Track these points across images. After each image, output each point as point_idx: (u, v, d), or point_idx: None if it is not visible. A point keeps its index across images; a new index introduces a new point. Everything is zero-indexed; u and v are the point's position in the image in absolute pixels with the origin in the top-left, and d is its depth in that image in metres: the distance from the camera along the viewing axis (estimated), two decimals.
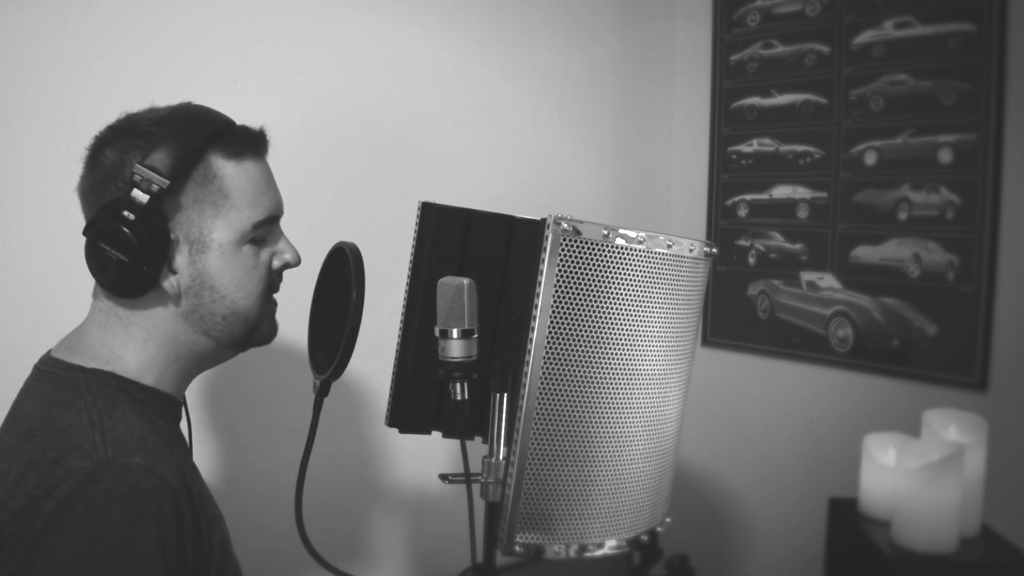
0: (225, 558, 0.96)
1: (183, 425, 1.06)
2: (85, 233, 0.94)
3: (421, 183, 1.78)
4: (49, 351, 1.00)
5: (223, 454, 1.60)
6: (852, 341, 1.86)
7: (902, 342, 1.78)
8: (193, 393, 1.54)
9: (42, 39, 1.35)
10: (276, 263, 1.03)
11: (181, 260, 0.96)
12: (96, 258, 0.92)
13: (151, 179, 0.91)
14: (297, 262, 1.05)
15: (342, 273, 1.06)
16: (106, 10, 1.40)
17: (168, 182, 0.92)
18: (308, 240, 1.27)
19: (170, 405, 1.00)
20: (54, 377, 0.95)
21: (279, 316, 1.08)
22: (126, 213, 0.91)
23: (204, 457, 1.56)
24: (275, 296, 1.06)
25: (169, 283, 0.96)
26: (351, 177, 1.71)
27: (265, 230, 1.01)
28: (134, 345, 0.97)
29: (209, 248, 0.96)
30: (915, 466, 1.26)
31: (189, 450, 1.07)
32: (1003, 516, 1.37)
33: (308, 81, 1.64)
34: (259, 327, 1.03)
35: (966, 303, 1.67)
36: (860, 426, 1.50)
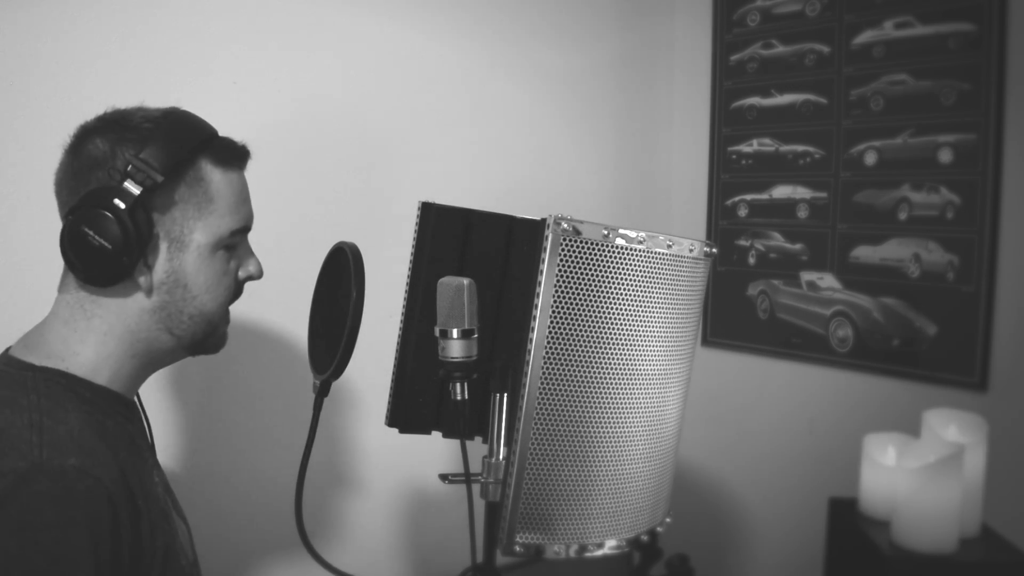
0: (169, 560, 0.95)
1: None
2: (67, 216, 0.94)
3: (421, 183, 1.78)
4: (8, 348, 0.99)
5: (222, 455, 1.59)
6: (852, 341, 1.86)
7: (902, 342, 1.78)
8: (193, 393, 1.54)
9: (42, 39, 1.35)
10: (242, 274, 1.06)
11: (159, 256, 0.97)
12: (76, 243, 0.92)
13: (147, 173, 0.93)
14: (260, 275, 1.08)
15: (342, 273, 1.07)
16: (106, 10, 1.40)
17: (162, 178, 0.93)
18: (307, 239, 1.28)
19: (121, 404, 0.99)
20: (4, 375, 0.95)
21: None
22: (116, 201, 0.91)
23: (202, 457, 1.56)
24: (230, 308, 1.07)
25: (144, 277, 0.96)
26: (351, 176, 1.71)
27: (238, 239, 1.04)
28: (94, 339, 0.97)
29: (188, 248, 0.98)
30: (915, 466, 1.26)
31: (149, 448, 1.06)
32: (1003, 516, 1.37)
33: (308, 80, 1.64)
34: (217, 331, 1.05)
35: (966, 303, 1.67)
36: (860, 426, 1.50)
